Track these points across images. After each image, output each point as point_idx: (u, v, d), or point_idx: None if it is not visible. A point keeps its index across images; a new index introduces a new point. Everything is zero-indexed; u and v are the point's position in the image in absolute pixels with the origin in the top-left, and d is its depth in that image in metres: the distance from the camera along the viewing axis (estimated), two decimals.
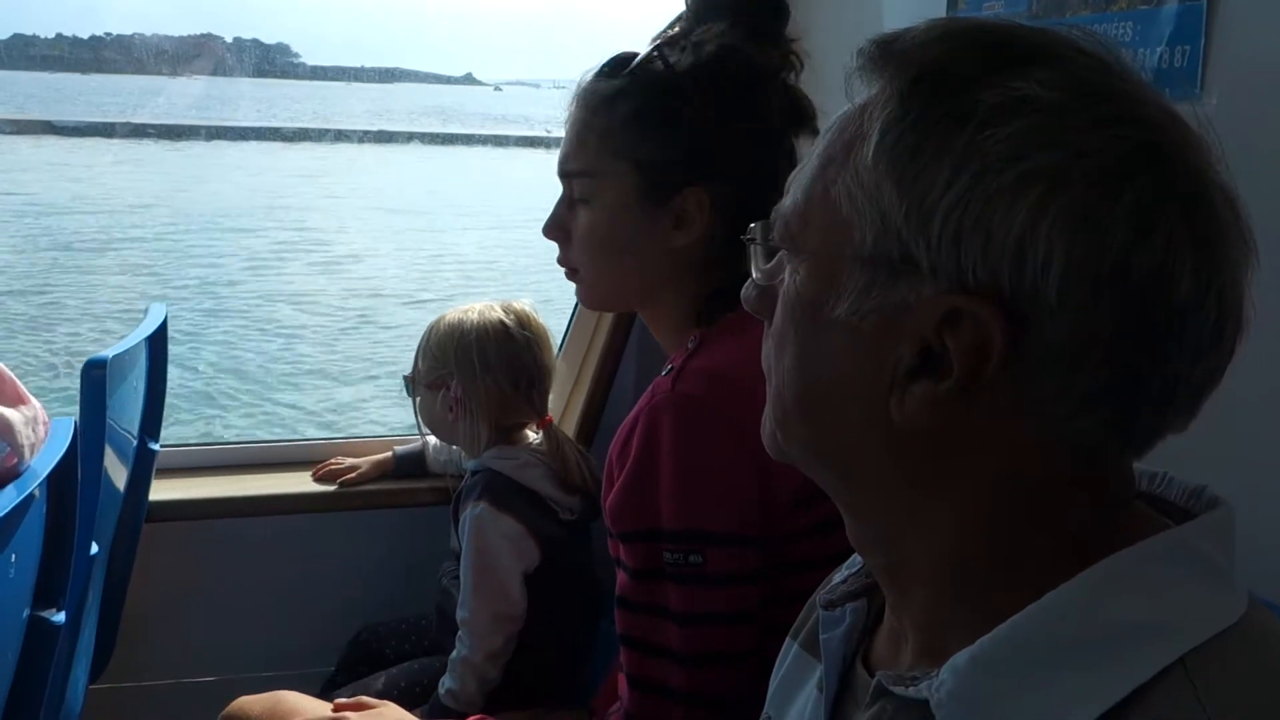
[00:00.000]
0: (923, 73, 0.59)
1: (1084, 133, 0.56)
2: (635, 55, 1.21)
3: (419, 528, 2.02)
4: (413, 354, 1.86)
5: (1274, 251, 1.04)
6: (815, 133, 1.22)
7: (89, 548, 1.47)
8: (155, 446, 1.83)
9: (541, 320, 1.85)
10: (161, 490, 1.91)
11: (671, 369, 1.15)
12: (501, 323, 1.80)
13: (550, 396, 1.90)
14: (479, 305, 1.84)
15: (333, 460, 2.08)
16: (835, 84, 0.65)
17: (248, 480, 2.04)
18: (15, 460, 1.16)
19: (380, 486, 2.05)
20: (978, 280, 0.56)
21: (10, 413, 1.16)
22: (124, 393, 1.67)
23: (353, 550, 2.04)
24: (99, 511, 1.51)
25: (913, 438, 0.60)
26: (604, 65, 1.22)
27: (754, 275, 0.71)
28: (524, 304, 1.85)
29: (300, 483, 2.04)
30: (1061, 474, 0.60)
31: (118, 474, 1.73)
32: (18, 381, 1.20)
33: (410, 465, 2.08)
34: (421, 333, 1.86)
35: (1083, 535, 0.60)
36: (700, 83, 1.15)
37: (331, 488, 2.03)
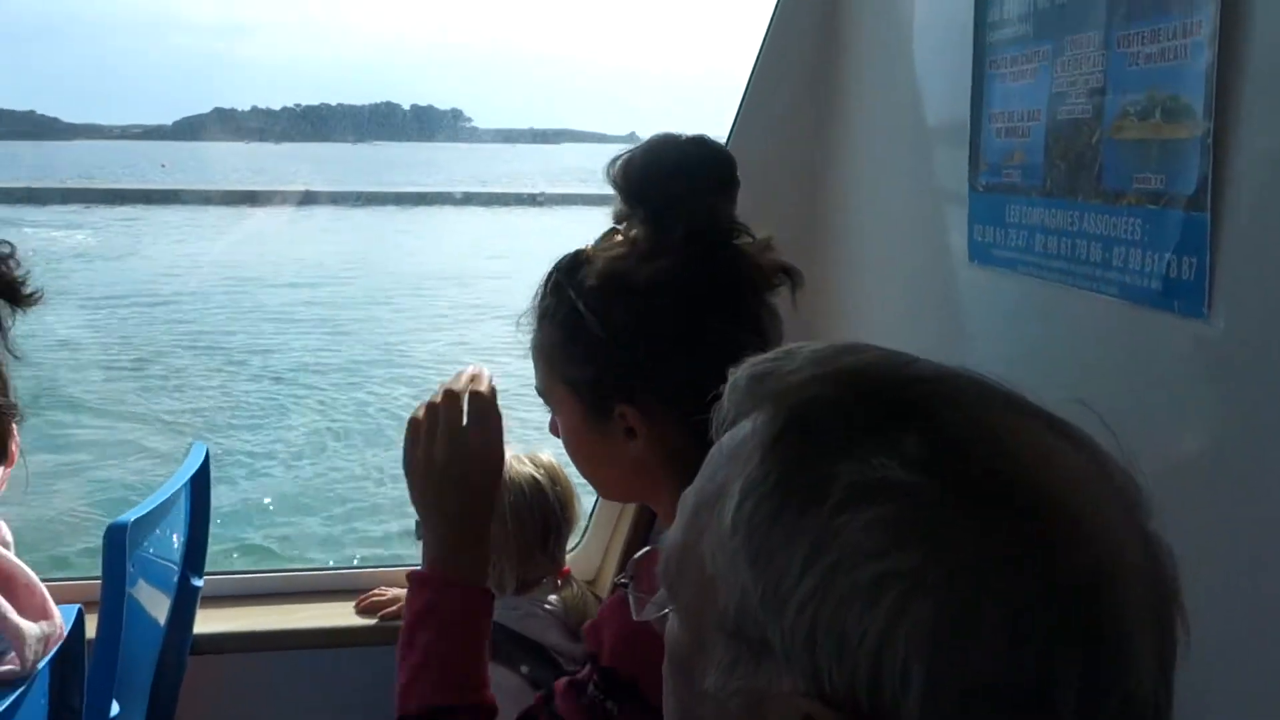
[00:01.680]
0: (787, 426, 0.55)
1: (947, 525, 0.49)
2: (574, 255, 1.18)
3: None
4: None
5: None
6: (795, 286, 1.17)
7: (108, 711, 1.50)
8: (198, 583, 1.87)
9: (567, 472, 1.82)
10: (206, 621, 1.95)
11: None
12: (534, 478, 1.77)
13: (589, 545, 1.85)
14: (517, 463, 1.81)
15: (375, 591, 2.08)
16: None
17: (292, 611, 2.06)
18: (17, 667, 1.20)
19: None
20: (834, 685, 0.50)
21: (29, 626, 1.21)
22: (165, 529, 1.73)
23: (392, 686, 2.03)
24: (131, 661, 1.56)
25: None
26: (544, 279, 1.20)
27: (633, 611, 0.67)
28: (549, 455, 1.83)
29: (343, 614, 2.05)
30: None
31: (159, 608, 1.78)
32: (48, 596, 1.25)
33: None
34: None
35: None
36: (601, 300, 1.12)
37: (372, 621, 2.03)
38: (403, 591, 2.05)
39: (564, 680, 1.13)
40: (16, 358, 1.22)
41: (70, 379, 9.84)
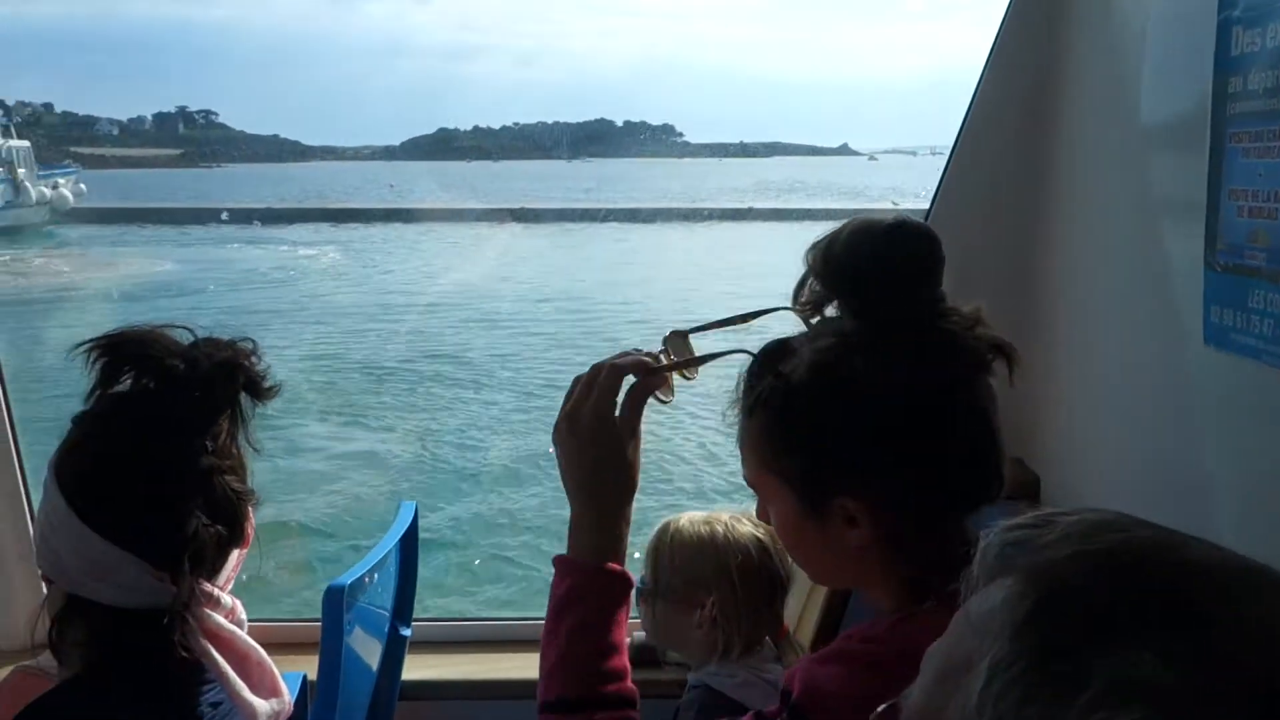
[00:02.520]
0: (1039, 607, 0.52)
1: None
2: (781, 345, 1.14)
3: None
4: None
5: None
6: (1010, 362, 1.11)
7: None
8: (406, 632, 1.95)
9: None
10: (415, 668, 2.03)
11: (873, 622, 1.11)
12: (757, 538, 1.74)
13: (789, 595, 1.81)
14: (723, 517, 1.78)
15: None
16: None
17: (497, 660, 2.11)
18: None
19: None
20: None
21: (261, 704, 1.28)
22: (378, 581, 1.81)
23: None
24: (346, 705, 1.64)
25: None
26: (749, 368, 1.17)
27: None
28: None
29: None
30: None
31: (372, 654, 1.87)
32: (278, 674, 1.33)
33: (650, 653, 2.05)
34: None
35: None
36: (812, 396, 1.08)
37: None
38: None
39: (752, 713, 1.11)
40: (257, 451, 1.29)
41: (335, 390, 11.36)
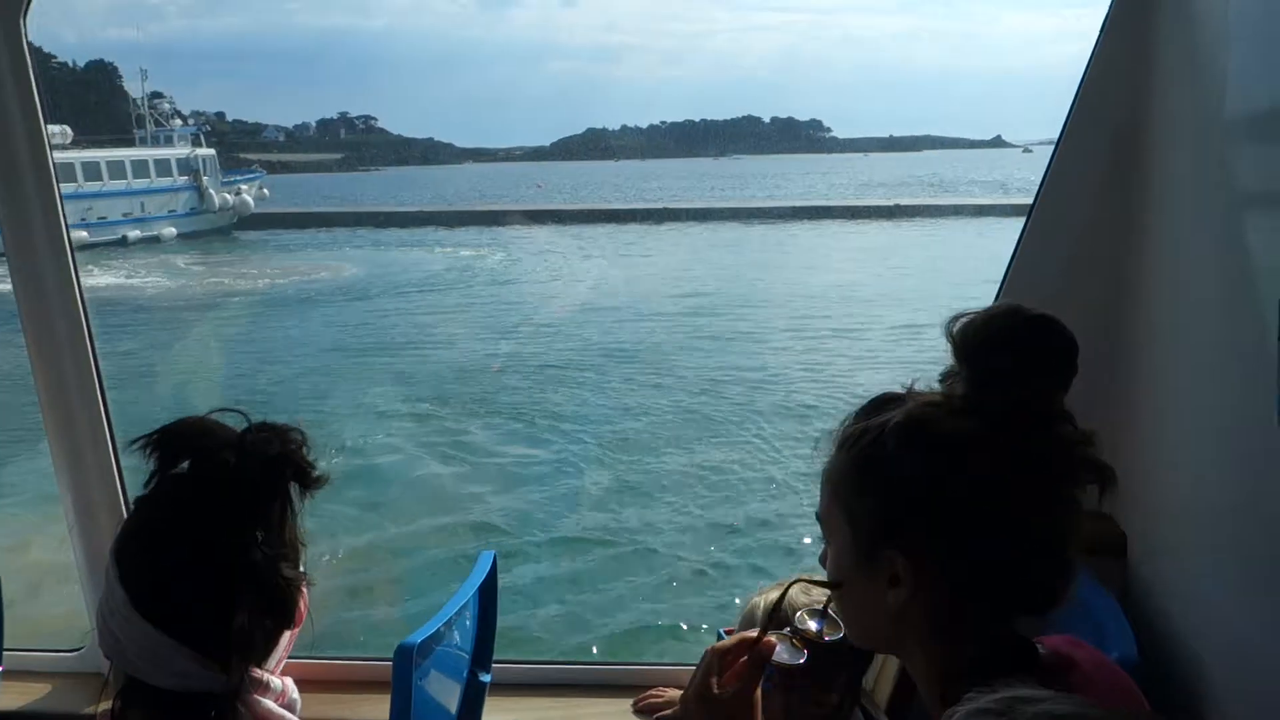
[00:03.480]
0: None
1: None
2: (893, 396, 1.16)
3: None
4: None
5: None
6: (1104, 488, 1.08)
7: None
8: (485, 678, 1.99)
9: None
10: (495, 711, 2.06)
11: None
12: None
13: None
14: (809, 591, 1.73)
15: (653, 691, 2.10)
16: None
17: (574, 705, 2.15)
18: None
19: None
20: None
21: None
22: (456, 626, 1.86)
23: None
24: None
25: None
26: (858, 410, 1.18)
27: None
28: None
29: (622, 711, 2.10)
30: None
31: (450, 695, 1.92)
32: None
33: None
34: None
35: None
36: (902, 445, 1.09)
37: None
38: (678, 693, 2.09)
39: None
40: (303, 545, 1.32)
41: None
